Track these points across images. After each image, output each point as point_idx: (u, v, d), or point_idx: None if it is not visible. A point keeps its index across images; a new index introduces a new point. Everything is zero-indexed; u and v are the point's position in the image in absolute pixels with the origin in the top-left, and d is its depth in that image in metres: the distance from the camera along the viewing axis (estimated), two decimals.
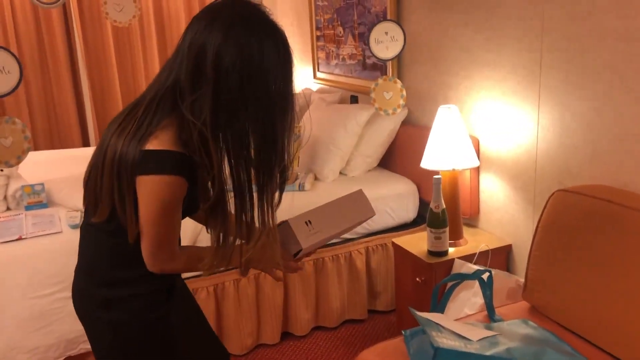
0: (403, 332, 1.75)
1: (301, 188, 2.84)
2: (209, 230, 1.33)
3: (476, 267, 2.24)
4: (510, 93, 2.36)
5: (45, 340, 2.24)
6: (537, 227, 1.90)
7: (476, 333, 1.63)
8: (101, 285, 1.34)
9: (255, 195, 1.29)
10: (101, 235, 1.33)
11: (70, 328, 2.26)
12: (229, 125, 1.20)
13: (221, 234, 1.29)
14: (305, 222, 1.43)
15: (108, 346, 1.38)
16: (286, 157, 1.28)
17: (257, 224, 1.31)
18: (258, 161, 1.26)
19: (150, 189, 1.19)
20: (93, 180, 1.29)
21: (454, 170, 2.41)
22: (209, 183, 1.25)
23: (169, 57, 1.28)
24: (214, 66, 1.16)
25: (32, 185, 2.62)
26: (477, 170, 2.61)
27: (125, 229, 1.26)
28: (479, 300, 2.15)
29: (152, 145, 1.19)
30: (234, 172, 1.24)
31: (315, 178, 3.02)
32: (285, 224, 1.42)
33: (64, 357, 2.30)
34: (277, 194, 1.31)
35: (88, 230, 1.38)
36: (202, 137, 1.19)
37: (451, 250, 2.42)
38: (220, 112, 1.18)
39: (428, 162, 2.45)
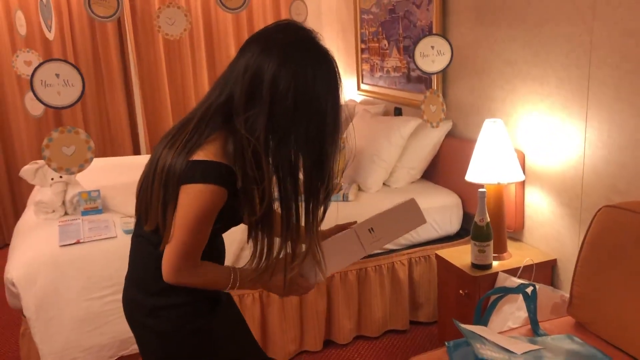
0: (446, 344, 1.77)
1: (345, 198, 2.88)
2: (249, 242, 1.38)
3: (520, 281, 2.24)
4: (557, 108, 2.36)
5: (99, 340, 2.34)
6: (583, 242, 1.90)
7: (520, 347, 1.64)
8: (147, 295, 1.39)
9: (301, 212, 1.34)
10: (148, 246, 1.38)
11: (123, 329, 2.35)
12: (280, 144, 1.26)
13: (265, 248, 1.34)
14: (369, 230, 1.49)
15: (154, 355, 1.44)
16: (332, 180, 1.34)
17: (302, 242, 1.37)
18: (306, 180, 1.31)
19: (192, 197, 1.24)
20: (144, 190, 1.35)
21: (499, 184, 2.42)
22: (256, 197, 1.29)
23: (219, 75, 1.34)
24: (270, 90, 1.22)
25: (88, 192, 2.75)
26: (523, 184, 2.60)
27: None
28: (523, 314, 2.15)
29: (198, 156, 1.25)
30: (282, 189, 1.29)
31: (359, 189, 3.06)
32: (350, 231, 1.48)
33: (117, 357, 2.40)
34: (321, 210, 1.37)
35: (138, 240, 1.44)
36: (254, 152, 1.25)
37: (495, 263, 2.43)
38: (273, 132, 1.25)
39: (473, 175, 2.47)
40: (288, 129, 1.25)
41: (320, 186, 1.32)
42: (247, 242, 1.39)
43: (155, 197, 1.30)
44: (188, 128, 1.30)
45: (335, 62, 1.30)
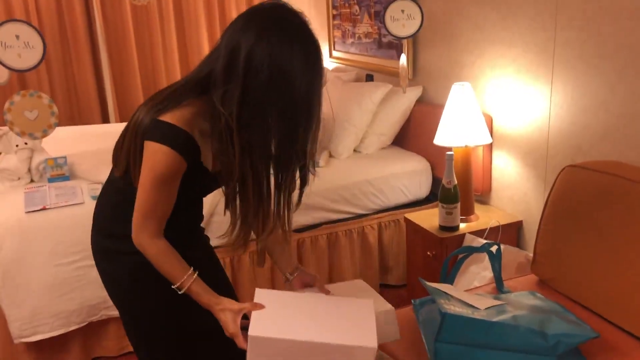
0: (412, 301, 1.81)
1: (315, 164, 2.88)
2: (225, 214, 1.41)
3: (486, 242, 2.28)
4: (524, 71, 2.38)
5: (68, 305, 2.33)
6: (546, 201, 1.93)
7: (484, 302, 1.67)
8: (104, 236, 1.47)
9: (273, 190, 1.37)
10: (113, 191, 1.47)
11: (92, 295, 2.35)
12: (253, 120, 1.26)
13: (239, 220, 1.37)
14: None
15: (113, 298, 1.52)
16: (307, 159, 1.35)
17: (272, 220, 1.39)
18: (278, 159, 1.33)
19: (149, 155, 1.29)
20: (119, 138, 1.42)
21: (466, 146, 2.44)
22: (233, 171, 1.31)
23: (208, 52, 1.36)
24: (244, 64, 1.22)
25: (55, 159, 2.70)
26: (490, 147, 2.63)
27: (134, 189, 1.36)
28: (488, 274, 2.20)
29: (165, 117, 1.29)
30: (254, 165, 1.30)
31: (330, 155, 3.06)
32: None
33: (86, 323, 2.39)
34: (296, 194, 1.40)
35: (107, 185, 1.51)
36: (227, 126, 1.26)
37: (462, 225, 2.47)
38: (246, 107, 1.25)
39: (441, 138, 2.49)
40: (261, 105, 1.24)
41: (294, 165, 1.34)
42: (224, 213, 1.41)
43: (125, 147, 1.37)
44: (167, 92, 1.35)
45: (318, 44, 1.29)
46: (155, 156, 1.27)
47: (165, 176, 1.30)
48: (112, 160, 1.46)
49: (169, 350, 1.52)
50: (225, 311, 1.34)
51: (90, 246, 1.54)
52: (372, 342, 1.26)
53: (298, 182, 1.41)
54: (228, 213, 1.40)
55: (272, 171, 1.37)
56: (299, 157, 1.33)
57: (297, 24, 1.27)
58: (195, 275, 1.38)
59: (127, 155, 1.36)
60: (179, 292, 1.37)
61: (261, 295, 1.35)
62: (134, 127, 1.34)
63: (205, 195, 1.53)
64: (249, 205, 1.35)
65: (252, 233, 1.43)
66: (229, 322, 1.32)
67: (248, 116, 1.25)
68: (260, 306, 1.31)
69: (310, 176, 1.42)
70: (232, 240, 1.40)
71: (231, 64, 1.24)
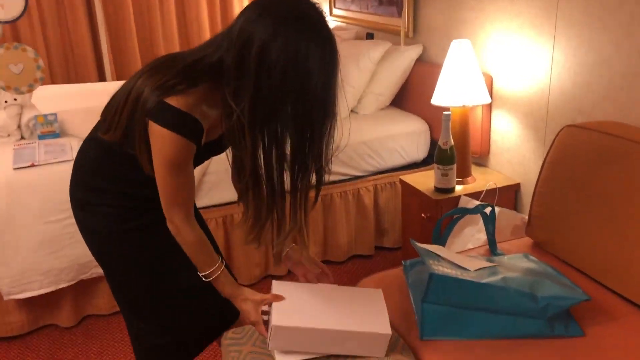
0: (403, 263, 1.77)
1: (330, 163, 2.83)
2: (239, 204, 1.43)
3: (480, 203, 2.24)
4: (527, 26, 2.29)
5: (58, 263, 2.31)
6: (543, 162, 1.88)
7: (475, 264, 1.64)
8: (82, 189, 1.47)
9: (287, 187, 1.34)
10: (97, 148, 1.42)
11: (82, 253, 2.32)
12: (266, 118, 1.22)
13: (253, 217, 1.36)
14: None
15: (91, 249, 1.52)
16: (323, 159, 1.30)
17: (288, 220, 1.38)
18: (293, 159, 1.28)
19: (157, 140, 1.26)
20: (114, 106, 1.35)
21: (464, 106, 2.37)
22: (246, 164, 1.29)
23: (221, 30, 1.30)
24: (257, 60, 1.16)
25: (45, 115, 2.65)
26: (489, 109, 2.56)
27: (124, 153, 1.35)
28: (483, 236, 2.16)
29: (173, 101, 1.23)
30: (267, 164, 1.28)
31: None
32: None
33: (76, 281, 2.38)
34: (313, 194, 1.37)
35: (88, 142, 1.47)
36: (239, 122, 1.22)
37: (458, 187, 2.42)
38: (259, 105, 1.21)
39: (438, 98, 2.42)
40: (275, 103, 1.20)
41: (310, 165, 1.30)
42: (237, 204, 1.43)
43: (124, 117, 1.32)
44: (174, 69, 1.27)
45: (334, 41, 1.23)
46: (165, 143, 1.25)
47: (179, 161, 1.29)
48: (101, 122, 1.42)
49: (147, 300, 1.51)
50: (247, 301, 1.41)
51: None
52: (386, 329, 1.36)
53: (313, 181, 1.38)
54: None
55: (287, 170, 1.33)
56: (314, 158, 1.29)
57: (315, 19, 1.20)
58: (223, 266, 1.43)
59: (127, 127, 1.31)
60: (205, 280, 1.42)
61: (278, 287, 1.43)
62: (135, 101, 1.28)
63: (199, 165, 1.49)
64: (262, 202, 1.34)
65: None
66: (251, 312, 1.39)
67: (260, 114, 1.21)
68: (280, 297, 1.37)
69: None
70: (245, 232, 1.40)
71: (243, 59, 1.18)
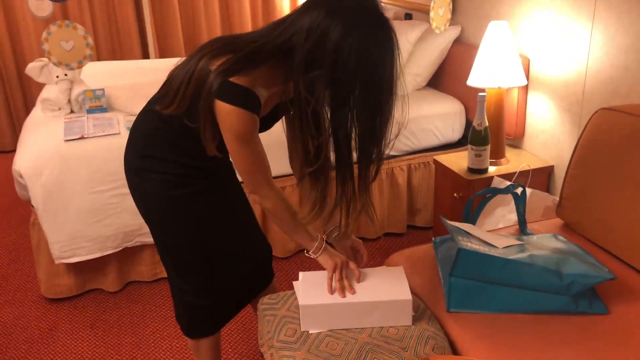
0: (433, 239, 1.83)
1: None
2: (298, 185, 1.56)
3: (511, 184, 2.26)
4: (566, 8, 2.29)
5: (104, 231, 2.44)
6: (576, 144, 1.89)
7: (503, 242, 1.68)
8: (136, 156, 1.55)
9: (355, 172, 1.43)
10: (154, 119, 1.50)
11: (127, 222, 2.45)
12: (339, 107, 1.32)
13: (319, 200, 1.44)
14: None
15: (140, 211, 1.61)
16: (384, 145, 1.40)
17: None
18: (360, 142, 1.37)
19: (224, 116, 1.34)
20: (176, 85, 1.41)
21: (499, 88, 2.39)
22: (311, 149, 1.38)
23: (281, 18, 1.37)
24: (334, 56, 1.26)
25: (93, 90, 2.77)
26: (525, 91, 2.57)
27: (182, 125, 1.43)
28: (514, 217, 2.19)
29: (237, 79, 1.32)
30: (337, 149, 1.37)
31: None
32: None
33: (121, 248, 2.51)
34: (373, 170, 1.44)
35: (145, 113, 1.55)
36: (314, 112, 1.32)
37: (492, 169, 2.44)
38: (333, 95, 1.31)
39: (474, 79, 2.44)
40: (347, 93, 1.30)
41: (374, 148, 1.38)
42: (297, 184, 1.57)
43: (186, 97, 1.39)
44: (237, 53, 1.34)
45: (395, 31, 1.32)
46: (233, 118, 1.34)
47: (248, 133, 1.37)
48: (160, 97, 1.49)
49: (189, 262, 1.61)
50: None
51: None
52: (407, 295, 1.45)
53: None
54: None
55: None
56: (378, 141, 1.38)
57: (379, 14, 1.30)
58: (324, 243, 1.54)
59: (190, 104, 1.38)
60: (311, 256, 1.53)
61: (305, 276, 1.55)
62: (200, 82, 1.35)
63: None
64: (339, 185, 1.42)
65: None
66: (328, 261, 1.52)
67: (335, 104, 1.31)
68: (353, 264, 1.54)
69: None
70: (309, 215, 1.46)
71: (316, 53, 1.27)
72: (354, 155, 1.39)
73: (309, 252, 1.54)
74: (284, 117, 1.59)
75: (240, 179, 1.59)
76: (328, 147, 1.37)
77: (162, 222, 1.58)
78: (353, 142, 1.37)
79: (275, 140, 1.86)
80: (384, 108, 1.34)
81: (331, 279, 1.50)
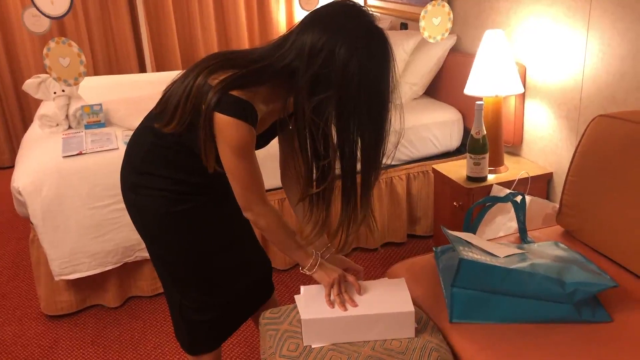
0: (434, 249, 1.82)
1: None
2: (295, 211, 1.59)
3: (510, 192, 2.26)
4: (561, 16, 2.30)
5: (104, 246, 2.44)
6: (575, 152, 1.90)
7: (504, 251, 1.68)
8: (133, 172, 1.54)
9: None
10: (150, 135, 1.49)
11: (126, 237, 2.45)
12: (345, 125, 1.33)
13: (321, 220, 1.45)
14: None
15: (137, 228, 1.61)
16: (383, 157, 1.41)
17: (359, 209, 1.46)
18: (364, 155, 1.38)
19: (221, 128, 1.32)
20: (174, 102, 1.40)
21: (497, 96, 2.39)
22: (314, 171, 1.40)
23: (279, 37, 1.38)
24: (341, 76, 1.27)
25: (91, 106, 2.77)
26: (523, 98, 2.57)
27: (180, 143, 1.44)
28: (514, 225, 2.19)
29: (236, 92, 1.32)
30: (344, 165, 1.37)
31: None
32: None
33: (121, 263, 2.50)
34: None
35: (142, 129, 1.55)
36: (324, 134, 1.33)
37: (491, 176, 2.44)
38: (339, 114, 1.32)
39: (471, 88, 2.44)
40: (352, 110, 1.31)
41: (376, 158, 1.39)
42: (293, 205, 1.59)
43: (185, 114, 1.37)
44: (236, 69, 1.35)
45: (390, 43, 1.33)
46: (231, 130, 1.32)
47: (245, 147, 1.36)
48: (157, 114, 1.48)
49: (187, 278, 1.61)
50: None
51: None
52: (409, 307, 1.43)
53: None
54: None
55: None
56: (380, 151, 1.39)
57: (377, 30, 1.31)
58: (319, 259, 1.53)
59: (191, 123, 1.37)
60: (306, 273, 1.52)
61: (307, 291, 1.54)
62: (198, 98, 1.34)
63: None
64: (347, 201, 1.43)
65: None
66: (324, 277, 1.51)
67: (341, 122, 1.32)
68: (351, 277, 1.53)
69: None
70: (311, 232, 1.46)
71: (325, 75, 1.28)
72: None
73: (304, 269, 1.53)
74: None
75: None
76: (334, 166, 1.37)
77: (159, 239, 1.57)
78: (356, 157, 1.38)
79: (265, 153, 1.86)
80: (384, 119, 1.35)
81: (329, 294, 1.49)
